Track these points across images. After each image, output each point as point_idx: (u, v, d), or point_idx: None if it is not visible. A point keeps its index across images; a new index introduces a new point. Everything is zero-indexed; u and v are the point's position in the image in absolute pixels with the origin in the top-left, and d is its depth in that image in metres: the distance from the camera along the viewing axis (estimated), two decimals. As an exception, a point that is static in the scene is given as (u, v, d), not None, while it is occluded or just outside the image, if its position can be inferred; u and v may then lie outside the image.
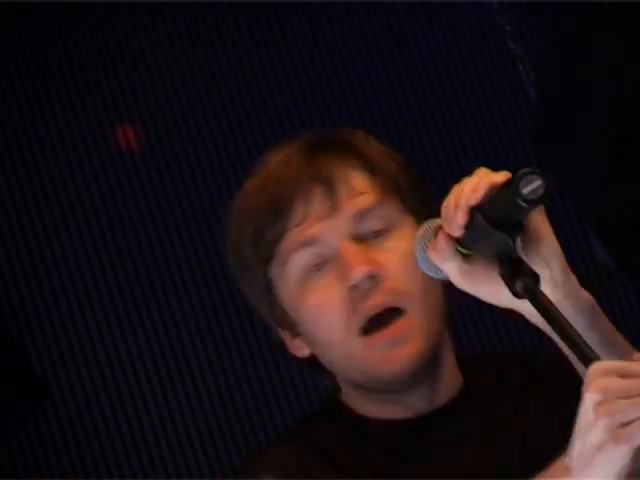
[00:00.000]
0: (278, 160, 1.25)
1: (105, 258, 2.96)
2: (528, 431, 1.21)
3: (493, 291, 1.06)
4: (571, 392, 1.02)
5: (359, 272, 1.17)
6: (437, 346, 1.21)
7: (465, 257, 1.06)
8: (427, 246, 1.08)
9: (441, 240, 1.05)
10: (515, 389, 1.25)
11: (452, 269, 1.06)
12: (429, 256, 1.07)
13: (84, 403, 2.88)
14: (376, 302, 1.18)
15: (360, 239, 1.20)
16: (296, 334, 1.25)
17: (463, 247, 1.05)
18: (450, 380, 1.24)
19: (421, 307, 1.20)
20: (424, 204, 1.26)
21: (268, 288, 1.24)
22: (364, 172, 1.24)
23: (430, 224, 1.10)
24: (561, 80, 2.81)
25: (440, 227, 1.06)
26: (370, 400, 1.23)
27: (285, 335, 1.27)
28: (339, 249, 1.20)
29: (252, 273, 1.24)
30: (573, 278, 1.06)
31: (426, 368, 1.21)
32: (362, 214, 1.21)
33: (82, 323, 2.96)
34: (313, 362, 1.26)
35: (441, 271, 1.08)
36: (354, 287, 1.18)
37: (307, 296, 1.20)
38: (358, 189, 1.22)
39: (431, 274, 1.10)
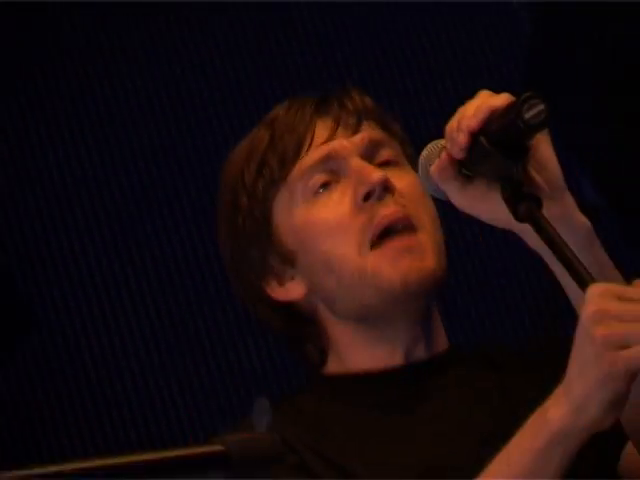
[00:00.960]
0: (284, 108, 1.28)
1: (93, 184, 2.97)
2: (505, 403, 1.21)
3: (492, 212, 1.07)
4: (552, 378, 1.03)
5: (377, 176, 1.19)
6: (442, 280, 1.22)
7: (467, 178, 1.07)
8: (430, 165, 1.09)
9: (444, 160, 1.06)
10: (496, 368, 1.26)
11: (453, 189, 1.07)
12: (431, 175, 1.09)
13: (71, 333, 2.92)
14: (390, 211, 1.19)
15: (372, 164, 1.23)
16: (291, 270, 1.24)
17: (466, 169, 1.07)
18: (440, 336, 1.25)
19: (431, 232, 1.21)
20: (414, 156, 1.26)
21: (267, 222, 1.24)
22: (375, 116, 1.28)
23: (435, 145, 1.11)
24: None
25: (444, 147, 1.08)
26: (367, 343, 1.23)
27: (270, 284, 1.25)
28: (355, 164, 1.21)
29: (249, 211, 1.24)
30: (571, 200, 1.08)
31: (427, 299, 1.22)
32: (376, 143, 1.25)
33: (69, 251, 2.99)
34: (303, 311, 1.26)
35: (441, 191, 1.10)
36: (369, 194, 1.19)
37: (317, 212, 1.21)
38: (373, 126, 1.26)
39: (432, 193, 1.13)
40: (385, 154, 1.25)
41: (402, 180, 1.23)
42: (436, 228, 1.23)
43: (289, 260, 1.24)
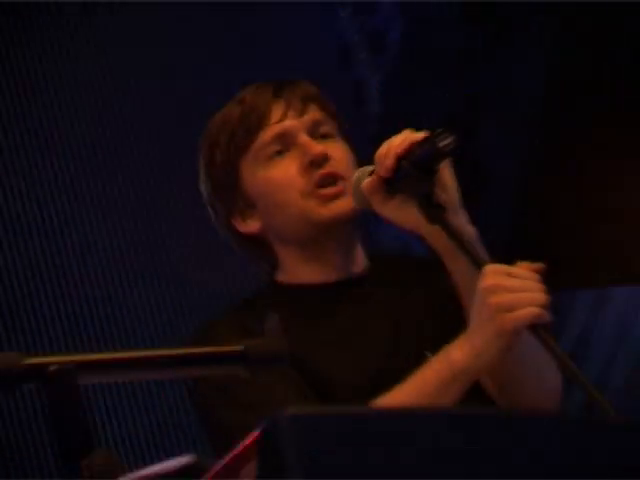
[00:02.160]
0: (251, 90, 1.67)
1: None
2: (409, 313, 1.59)
3: (406, 219, 1.45)
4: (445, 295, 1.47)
5: (319, 150, 1.58)
6: (358, 216, 1.60)
7: (389, 194, 1.43)
8: (360, 183, 1.46)
9: (373, 179, 1.44)
10: (402, 282, 1.65)
11: (378, 201, 1.45)
12: (363, 190, 1.45)
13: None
14: (327, 170, 1.57)
15: (314, 138, 1.61)
16: (251, 211, 1.63)
17: (389, 186, 1.43)
18: (359, 257, 1.64)
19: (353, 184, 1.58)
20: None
21: (235, 175, 1.62)
22: (317, 101, 1.66)
23: (363, 169, 1.50)
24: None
25: (372, 171, 1.44)
26: (305, 261, 1.61)
27: (236, 219, 1.64)
28: (302, 139, 1.59)
29: (222, 166, 1.63)
30: (465, 214, 1.45)
31: (348, 229, 1.61)
32: (317, 122, 1.62)
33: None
34: (255, 239, 1.65)
35: (369, 204, 1.46)
36: (313, 161, 1.57)
37: (273, 172, 1.60)
38: (315, 108, 1.65)
39: (359, 205, 1.51)
40: (324, 130, 1.62)
41: (336, 149, 1.61)
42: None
43: (250, 204, 1.62)
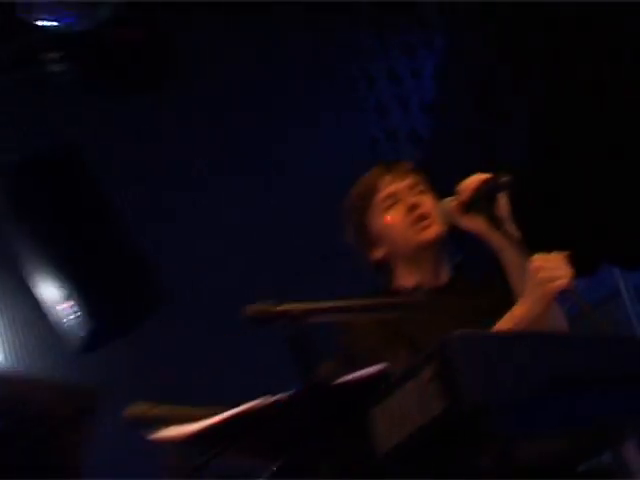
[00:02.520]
0: (372, 170, 2.61)
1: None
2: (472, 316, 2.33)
3: (475, 226, 2.34)
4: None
5: (413, 200, 2.49)
6: (442, 242, 2.51)
7: (466, 212, 2.33)
8: (446, 206, 2.39)
9: (456, 203, 2.36)
10: (473, 291, 2.54)
11: (458, 215, 2.36)
12: (449, 209, 2.37)
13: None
14: (420, 212, 2.46)
15: (413, 194, 2.53)
16: (378, 245, 2.54)
17: (466, 207, 2.31)
18: (444, 270, 2.55)
19: (440, 221, 2.48)
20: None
21: (364, 225, 2.55)
22: (412, 172, 2.60)
23: (447, 199, 2.41)
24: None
25: (454, 199, 2.35)
26: (411, 272, 2.52)
27: (370, 252, 2.55)
28: (404, 195, 2.52)
29: (357, 221, 2.56)
30: (512, 224, 2.34)
31: (437, 249, 2.50)
32: (413, 184, 2.54)
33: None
34: (382, 262, 2.56)
35: (453, 219, 2.37)
36: (410, 208, 2.48)
37: (390, 217, 2.50)
38: (411, 176, 2.57)
39: (446, 220, 2.43)
40: (418, 189, 2.54)
41: (426, 199, 2.51)
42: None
43: (377, 240, 2.55)
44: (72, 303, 3.67)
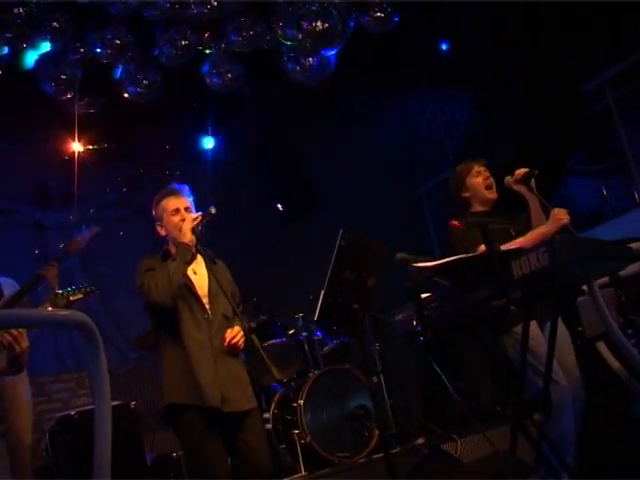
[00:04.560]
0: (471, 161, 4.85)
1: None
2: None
3: (521, 190, 4.77)
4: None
5: (487, 175, 5.05)
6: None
7: (517, 183, 4.66)
8: (509, 179, 4.63)
9: (512, 179, 4.64)
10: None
11: (513, 184, 4.82)
12: (509, 181, 4.63)
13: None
14: (490, 182, 5.05)
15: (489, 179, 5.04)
16: (466, 191, 5.06)
17: (518, 181, 4.59)
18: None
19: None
20: None
21: (463, 180, 5.15)
22: (485, 164, 4.85)
23: (509, 176, 4.79)
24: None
25: (513, 177, 4.60)
26: (481, 207, 4.96)
27: (462, 193, 5.11)
28: (484, 172, 5.13)
29: (459, 178, 5.14)
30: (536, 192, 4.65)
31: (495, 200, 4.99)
32: (487, 168, 5.12)
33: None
34: (467, 199, 5.18)
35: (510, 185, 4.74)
36: (486, 178, 5.04)
37: (475, 180, 5.04)
38: (487, 167, 4.96)
39: (507, 186, 4.64)
40: (488, 170, 5.08)
41: (491, 177, 5.07)
42: None
43: (467, 189, 5.22)
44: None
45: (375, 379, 7.21)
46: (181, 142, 8.99)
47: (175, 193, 4.70)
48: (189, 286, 4.53)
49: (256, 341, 4.42)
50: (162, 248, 4.70)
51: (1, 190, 7.96)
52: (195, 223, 4.53)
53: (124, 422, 6.00)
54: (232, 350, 4.54)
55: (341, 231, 4.40)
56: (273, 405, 6.84)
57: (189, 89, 8.05)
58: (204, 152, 9.22)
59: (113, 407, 5.53)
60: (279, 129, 9.06)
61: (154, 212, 4.77)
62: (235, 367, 4.59)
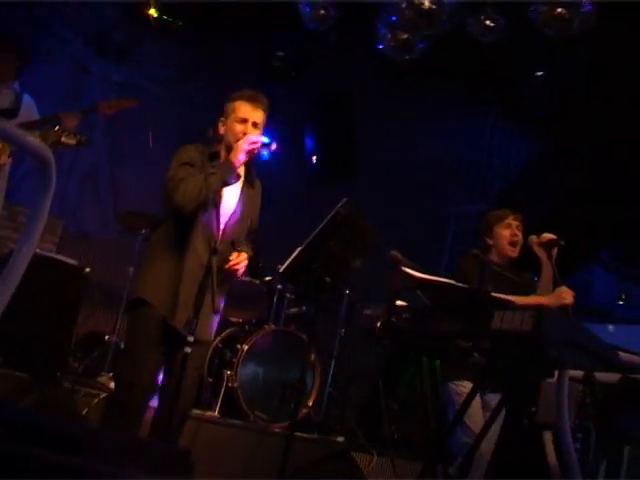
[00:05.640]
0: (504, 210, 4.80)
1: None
2: None
3: (541, 254, 4.51)
4: None
5: (517, 232, 4.89)
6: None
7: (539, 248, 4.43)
8: (534, 239, 4.41)
9: (537, 240, 4.46)
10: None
11: (536, 246, 4.55)
12: (534, 241, 4.43)
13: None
14: (515, 240, 4.85)
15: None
16: (490, 238, 4.87)
17: (542, 244, 4.40)
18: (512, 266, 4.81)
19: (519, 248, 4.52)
20: None
21: (491, 229, 5.11)
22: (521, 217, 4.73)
23: (534, 236, 4.62)
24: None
25: (538, 239, 4.36)
26: (498, 258, 4.86)
27: (486, 238, 4.93)
28: (515, 226, 4.84)
29: (488, 224, 5.01)
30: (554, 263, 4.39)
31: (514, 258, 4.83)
32: (520, 222, 4.74)
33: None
34: (488, 246, 4.99)
35: (533, 245, 4.46)
36: (513, 235, 4.89)
37: (502, 232, 4.96)
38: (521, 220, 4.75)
39: (530, 244, 4.43)
40: (521, 225, 4.92)
41: (520, 234, 4.92)
42: None
43: (491, 236, 5.12)
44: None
45: (324, 361, 7.06)
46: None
47: (252, 101, 4.37)
48: (216, 202, 4.19)
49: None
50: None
51: (64, 15, 7.77)
52: (253, 147, 4.23)
53: (68, 284, 5.83)
54: (229, 275, 4.30)
55: (344, 200, 4.20)
56: (218, 339, 6.70)
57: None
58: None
59: (64, 265, 5.37)
60: (342, 88, 8.82)
61: (225, 107, 4.45)
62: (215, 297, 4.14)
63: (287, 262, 4.32)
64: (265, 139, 4.27)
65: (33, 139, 2.15)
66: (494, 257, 4.84)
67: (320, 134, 9.13)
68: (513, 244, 4.79)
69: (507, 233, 4.81)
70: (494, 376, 4.01)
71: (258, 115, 4.37)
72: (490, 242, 4.88)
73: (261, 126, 4.35)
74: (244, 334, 6.70)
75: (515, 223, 4.82)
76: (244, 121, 4.33)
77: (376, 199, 8.22)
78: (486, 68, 8.06)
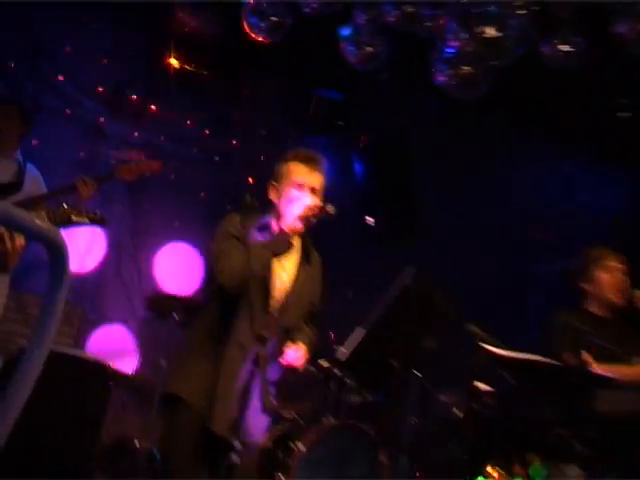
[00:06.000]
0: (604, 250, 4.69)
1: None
2: None
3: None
4: None
5: (623, 278, 4.78)
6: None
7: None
8: (636, 293, 4.35)
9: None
10: None
11: (637, 300, 4.40)
12: (635, 295, 4.37)
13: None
14: (622, 287, 4.80)
15: None
16: (590, 283, 4.77)
17: None
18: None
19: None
20: None
21: (591, 272, 5.03)
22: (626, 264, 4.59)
23: (638, 292, 4.44)
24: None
25: None
26: (598, 307, 4.74)
27: (584, 282, 4.86)
28: (619, 272, 4.71)
29: (588, 267, 4.89)
30: None
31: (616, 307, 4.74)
32: (626, 270, 4.57)
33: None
34: (587, 291, 4.95)
35: (634, 300, 4.40)
36: (621, 282, 4.81)
37: (604, 276, 4.90)
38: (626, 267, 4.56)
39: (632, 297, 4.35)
40: (626, 271, 4.74)
41: (628, 280, 4.78)
42: None
43: (591, 282, 5.09)
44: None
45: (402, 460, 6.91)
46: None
47: (310, 163, 4.31)
48: (266, 280, 4.14)
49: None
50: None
51: (74, 72, 7.90)
52: (310, 214, 4.15)
53: (89, 383, 5.83)
54: (284, 370, 4.20)
55: (411, 270, 4.13)
56: (267, 436, 6.59)
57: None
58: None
59: (84, 362, 5.34)
60: (398, 131, 8.80)
61: (276, 169, 4.38)
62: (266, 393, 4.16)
63: (349, 348, 4.22)
64: (319, 204, 4.18)
65: (39, 223, 2.07)
66: (593, 308, 4.71)
67: (376, 187, 9.08)
68: (618, 290, 4.62)
69: (608, 276, 4.67)
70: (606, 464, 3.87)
71: (316, 179, 4.30)
72: (587, 287, 4.75)
73: (319, 192, 4.26)
74: (298, 430, 6.59)
75: (619, 266, 4.69)
76: (301, 187, 4.26)
77: (442, 262, 8.10)
78: (567, 100, 7.96)
